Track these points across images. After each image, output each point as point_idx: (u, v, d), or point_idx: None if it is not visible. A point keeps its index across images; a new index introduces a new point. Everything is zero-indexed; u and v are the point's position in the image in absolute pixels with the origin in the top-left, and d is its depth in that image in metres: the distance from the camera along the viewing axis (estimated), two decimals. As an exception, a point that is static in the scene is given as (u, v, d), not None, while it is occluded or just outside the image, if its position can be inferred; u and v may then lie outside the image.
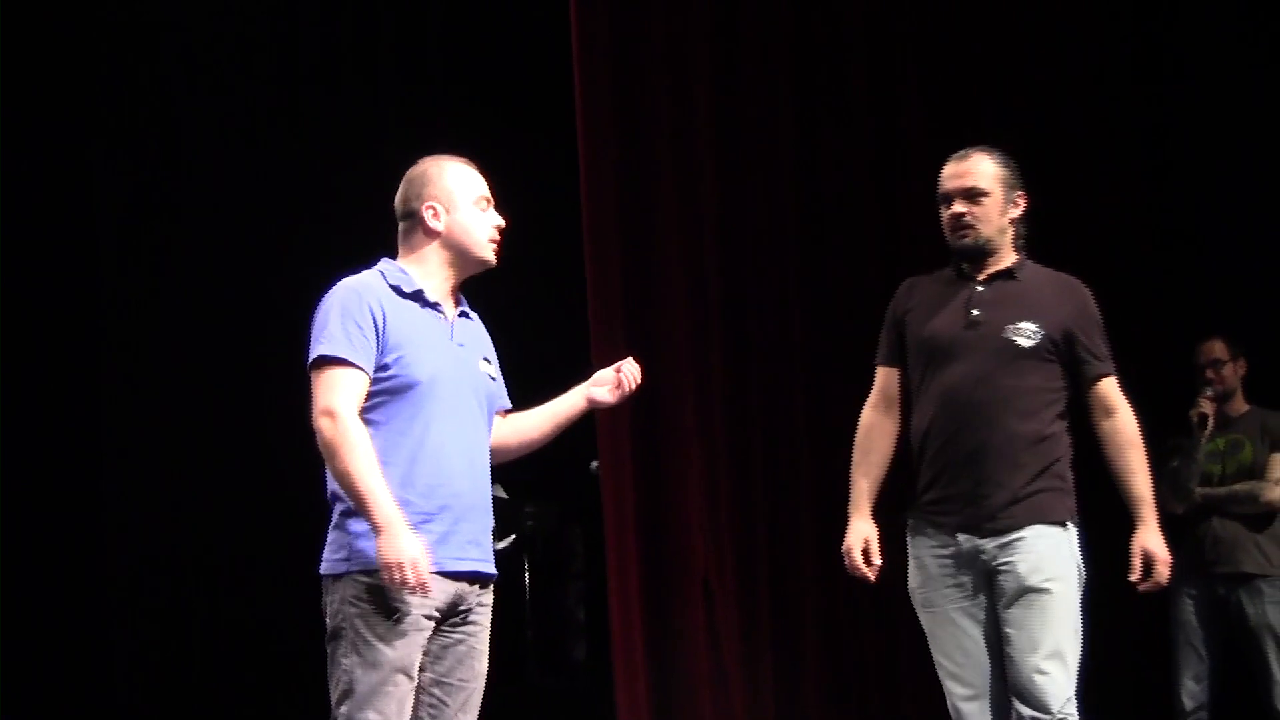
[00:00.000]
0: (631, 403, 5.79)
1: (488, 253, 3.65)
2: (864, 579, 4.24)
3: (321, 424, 3.42)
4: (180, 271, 6.36)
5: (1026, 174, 6.00)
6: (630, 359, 3.82)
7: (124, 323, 6.37)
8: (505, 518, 6.08)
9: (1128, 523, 4.19)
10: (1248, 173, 6.54)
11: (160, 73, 6.41)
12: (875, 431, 4.26)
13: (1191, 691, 5.72)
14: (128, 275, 6.40)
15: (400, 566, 3.32)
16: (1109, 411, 4.13)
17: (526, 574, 6.21)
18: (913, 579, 4.19)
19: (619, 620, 5.67)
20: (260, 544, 6.12)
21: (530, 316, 6.08)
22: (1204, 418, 5.73)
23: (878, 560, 4.20)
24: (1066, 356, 4.11)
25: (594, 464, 5.67)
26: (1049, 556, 4.02)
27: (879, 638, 6.04)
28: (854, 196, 6.28)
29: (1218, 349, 5.86)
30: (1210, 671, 5.72)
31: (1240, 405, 5.87)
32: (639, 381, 3.81)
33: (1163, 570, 4.09)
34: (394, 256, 3.66)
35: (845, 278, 6.15)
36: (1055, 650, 3.97)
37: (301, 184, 6.28)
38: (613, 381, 3.81)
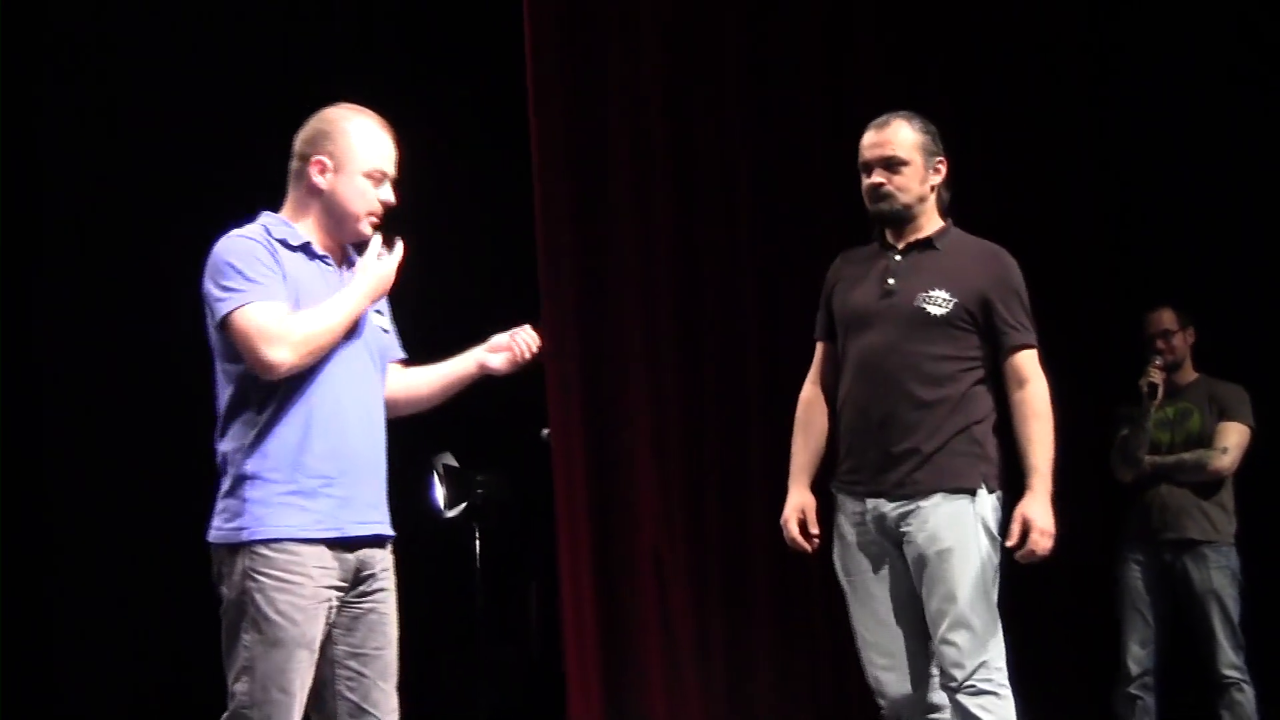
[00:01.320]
0: (582, 371, 5.85)
1: (362, 228, 3.48)
2: (801, 550, 4.26)
3: (276, 357, 3.28)
4: (121, 243, 6.19)
5: (975, 144, 6.07)
6: (528, 326, 3.73)
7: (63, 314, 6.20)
8: (457, 486, 6.06)
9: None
10: (1197, 144, 6.57)
11: (105, 47, 6.26)
12: (813, 407, 4.29)
13: (1138, 657, 5.76)
14: (70, 250, 6.25)
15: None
16: (1021, 382, 4.08)
17: (477, 543, 6.18)
18: (834, 549, 4.21)
19: (570, 591, 5.66)
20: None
21: (479, 287, 6.05)
22: (1154, 387, 5.75)
23: (814, 530, 4.22)
24: (984, 325, 4.08)
25: (545, 431, 5.64)
26: (947, 525, 4.00)
27: (830, 606, 6.04)
28: (806, 165, 6.27)
29: (1166, 319, 5.88)
30: (1156, 637, 5.77)
31: (1189, 374, 5.90)
32: (535, 350, 3.72)
33: (1039, 540, 4.01)
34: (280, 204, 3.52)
35: (798, 248, 6.15)
36: (958, 619, 3.97)
37: (249, 154, 6.15)
38: (507, 347, 3.70)
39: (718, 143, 6.17)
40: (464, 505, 6.06)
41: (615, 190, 5.93)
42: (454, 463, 5.99)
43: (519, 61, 5.67)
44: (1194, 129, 6.58)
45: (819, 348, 4.33)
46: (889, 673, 4.09)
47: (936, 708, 4.08)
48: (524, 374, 3.86)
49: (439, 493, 5.92)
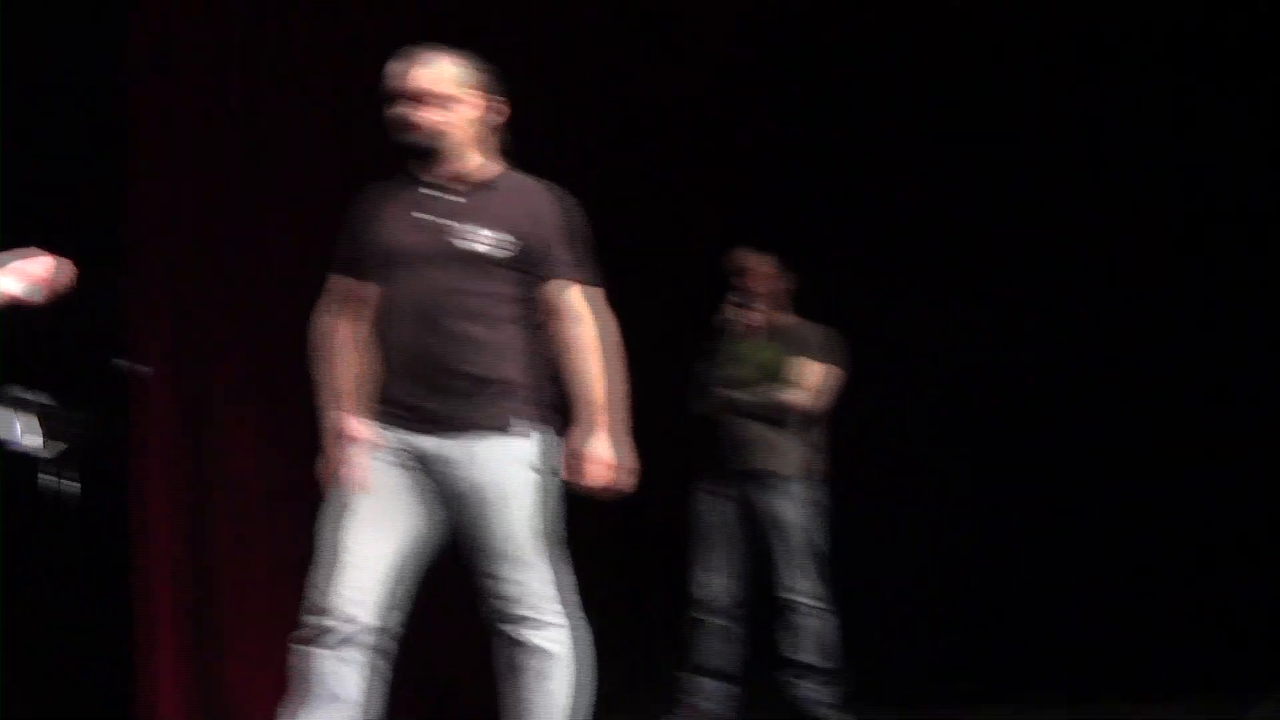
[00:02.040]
0: (171, 313, 5.71)
1: None
2: (352, 485, 4.00)
3: None
4: None
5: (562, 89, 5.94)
6: (67, 262, 3.57)
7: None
8: (54, 425, 5.82)
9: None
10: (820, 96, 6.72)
11: None
12: (344, 337, 4.06)
13: (726, 588, 5.88)
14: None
15: None
16: (574, 319, 4.03)
17: (77, 485, 5.97)
18: (338, 464, 4.01)
19: (158, 531, 5.54)
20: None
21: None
22: (726, 323, 5.91)
23: (366, 458, 3.99)
24: (536, 264, 4.02)
25: (122, 361, 5.45)
26: (498, 464, 3.95)
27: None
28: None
29: (746, 259, 6.00)
30: (740, 568, 5.90)
31: (786, 318, 6.04)
32: (66, 283, 3.59)
33: (600, 473, 4.00)
34: None
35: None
36: (517, 558, 3.94)
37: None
38: (29, 275, 3.56)
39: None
40: (62, 446, 5.83)
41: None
42: (50, 401, 5.75)
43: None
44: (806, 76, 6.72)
45: (340, 281, 4.09)
46: (353, 595, 3.90)
47: (388, 633, 3.98)
48: (98, 303, 3.69)
49: (19, 429, 5.68)
